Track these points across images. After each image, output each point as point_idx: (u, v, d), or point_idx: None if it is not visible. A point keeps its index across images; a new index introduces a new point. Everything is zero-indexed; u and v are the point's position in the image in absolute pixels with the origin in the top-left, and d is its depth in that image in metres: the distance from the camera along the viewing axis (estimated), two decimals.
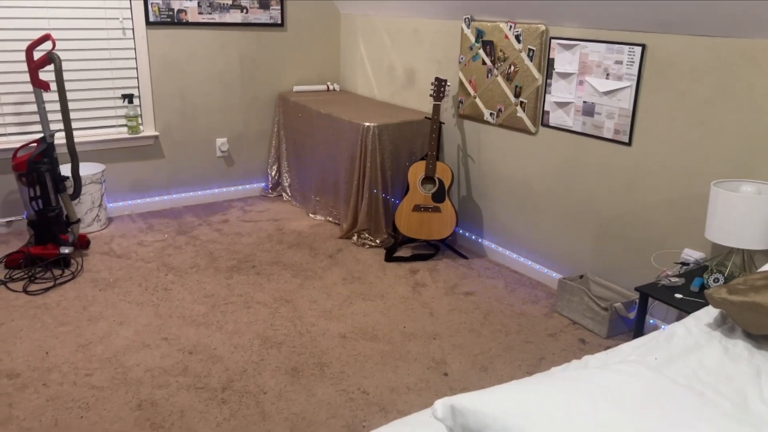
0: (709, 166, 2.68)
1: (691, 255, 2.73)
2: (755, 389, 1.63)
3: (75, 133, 4.02)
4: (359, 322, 3.03)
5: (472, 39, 3.67)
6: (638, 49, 2.84)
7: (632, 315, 2.94)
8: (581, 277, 3.21)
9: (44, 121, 3.45)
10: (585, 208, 3.24)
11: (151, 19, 4.14)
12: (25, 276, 3.35)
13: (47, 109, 3.67)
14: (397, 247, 3.89)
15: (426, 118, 3.97)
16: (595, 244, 3.22)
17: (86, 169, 3.99)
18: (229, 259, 3.71)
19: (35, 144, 3.50)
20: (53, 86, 3.78)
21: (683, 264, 2.73)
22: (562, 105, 3.25)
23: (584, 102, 3.13)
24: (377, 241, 3.95)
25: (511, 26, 3.42)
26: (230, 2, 4.40)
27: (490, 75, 3.61)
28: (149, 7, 4.11)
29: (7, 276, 3.35)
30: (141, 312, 3.06)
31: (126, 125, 4.25)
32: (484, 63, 3.63)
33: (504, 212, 3.73)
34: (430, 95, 3.75)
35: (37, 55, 3.43)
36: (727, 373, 1.71)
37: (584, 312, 3.02)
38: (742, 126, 2.54)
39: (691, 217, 2.77)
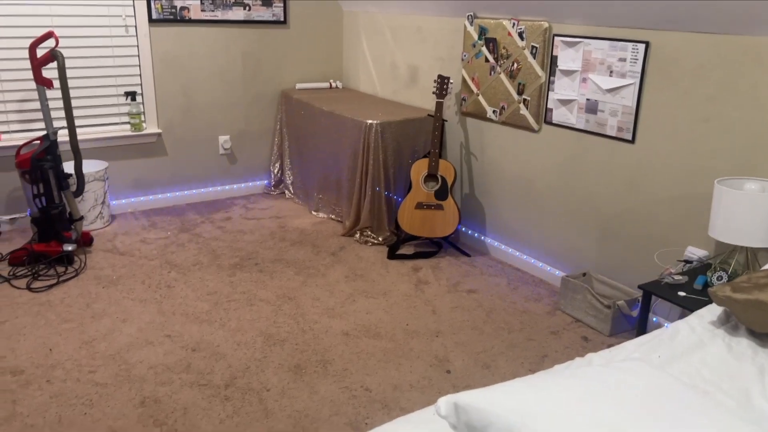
0: (712, 163, 2.67)
1: (695, 253, 2.73)
2: (759, 387, 1.62)
3: (78, 130, 4.02)
4: (362, 319, 3.04)
5: (475, 36, 3.67)
6: (642, 47, 2.83)
7: (635, 313, 2.93)
8: (584, 274, 3.20)
9: (47, 119, 3.45)
10: (588, 206, 3.24)
11: (154, 16, 4.14)
12: (29, 273, 3.36)
13: (50, 106, 3.68)
14: (399, 244, 3.89)
15: (429, 115, 3.97)
16: (598, 242, 3.21)
17: (89, 167, 4.00)
18: (232, 256, 3.71)
19: (38, 141, 3.51)
20: (56, 83, 3.78)
21: (686, 262, 2.72)
22: (565, 102, 3.24)
23: (587, 99, 3.12)
24: (380, 239, 3.95)
25: (514, 23, 3.42)
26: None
27: (493, 72, 3.60)
28: (152, 4, 4.11)
29: (11, 273, 3.36)
30: (144, 309, 3.06)
31: (129, 123, 4.26)
32: (487, 60, 3.62)
33: (507, 210, 3.72)
34: (433, 93, 3.75)
35: (40, 52, 3.43)
36: (731, 371, 1.70)
37: (587, 310, 3.01)
38: (745, 123, 2.53)
39: (694, 214, 2.76)
